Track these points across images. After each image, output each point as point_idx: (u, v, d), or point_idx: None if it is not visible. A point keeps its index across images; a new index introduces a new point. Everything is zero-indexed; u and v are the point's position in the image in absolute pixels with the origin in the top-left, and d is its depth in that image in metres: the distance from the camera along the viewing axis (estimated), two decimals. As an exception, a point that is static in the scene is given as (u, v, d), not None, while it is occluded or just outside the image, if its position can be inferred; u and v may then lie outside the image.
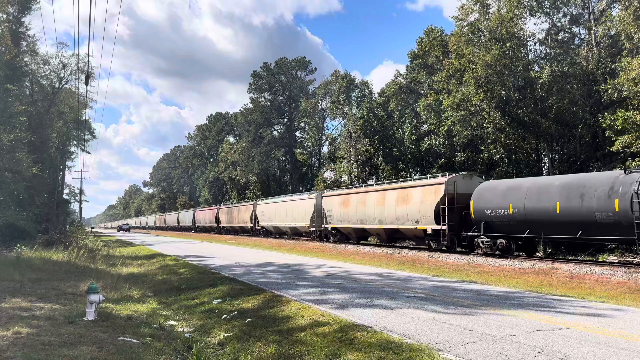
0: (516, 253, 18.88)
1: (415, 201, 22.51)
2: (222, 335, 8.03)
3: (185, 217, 75.00)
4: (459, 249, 21.31)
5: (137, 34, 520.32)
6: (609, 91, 24.90)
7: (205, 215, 64.21)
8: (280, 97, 69.07)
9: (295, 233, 37.86)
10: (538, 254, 18.90)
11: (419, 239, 23.76)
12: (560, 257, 18.19)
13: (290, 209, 37.13)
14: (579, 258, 18.05)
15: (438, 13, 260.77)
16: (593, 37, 28.74)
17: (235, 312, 9.52)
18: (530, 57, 32.96)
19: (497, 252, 18.65)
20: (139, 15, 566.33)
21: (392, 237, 26.03)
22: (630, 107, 23.53)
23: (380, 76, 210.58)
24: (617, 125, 23.00)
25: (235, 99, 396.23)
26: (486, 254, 18.95)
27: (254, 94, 68.92)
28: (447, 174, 22.20)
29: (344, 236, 30.28)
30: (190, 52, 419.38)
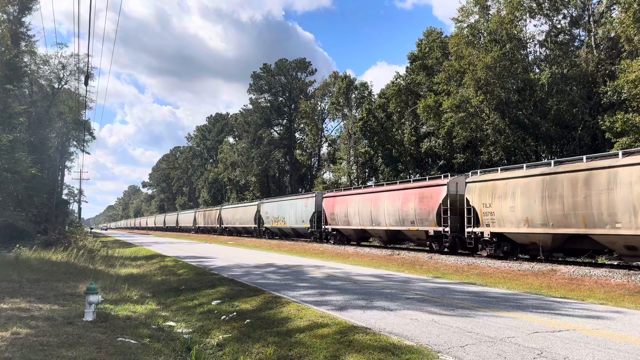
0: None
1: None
2: (221, 337, 8.02)
3: (287, 211, 37.43)
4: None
5: (125, 31, 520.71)
6: (609, 93, 24.96)
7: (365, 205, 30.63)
8: (280, 98, 69.10)
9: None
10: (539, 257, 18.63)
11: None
12: (560, 259, 18.12)
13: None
14: (578, 260, 18.00)
15: (428, 11, 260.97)
16: (593, 39, 28.78)
17: (234, 313, 9.51)
18: (530, 59, 33.03)
19: (501, 255, 18.31)
20: (126, 12, 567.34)
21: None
22: (630, 109, 23.58)
23: (375, 77, 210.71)
24: (617, 127, 23.05)
25: (229, 98, 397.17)
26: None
27: (253, 94, 69.02)
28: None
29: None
30: (182, 50, 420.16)
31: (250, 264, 20.12)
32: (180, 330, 8.74)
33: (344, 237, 30.07)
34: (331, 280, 14.08)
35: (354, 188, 31.93)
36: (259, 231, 44.03)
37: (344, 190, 31.88)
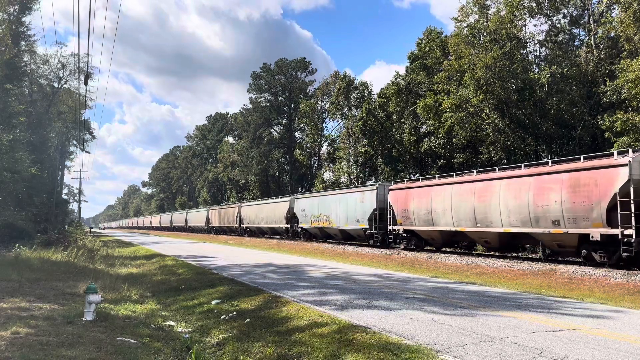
0: (515, 254, 16.80)
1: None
2: (220, 336, 8.02)
3: (332, 208, 31.47)
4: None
5: (122, 30, 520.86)
6: (609, 93, 24.96)
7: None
8: (280, 98, 69.12)
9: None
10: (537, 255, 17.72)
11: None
12: (559, 259, 18.06)
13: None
14: (578, 259, 17.99)
15: (425, 10, 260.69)
16: (593, 38, 28.77)
17: (234, 313, 9.51)
18: (529, 58, 33.02)
19: None
20: (123, 10, 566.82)
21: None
22: (630, 108, 23.58)
23: (374, 77, 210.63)
24: (617, 127, 23.05)
25: (228, 97, 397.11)
26: None
27: (253, 94, 69.06)
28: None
29: (422, 241, 23.61)
30: (180, 49, 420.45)
31: (250, 263, 20.13)
32: (180, 330, 8.74)
33: (421, 241, 23.58)
34: (331, 280, 14.09)
35: (440, 176, 23.41)
36: (292, 232, 37.11)
37: (423, 179, 24.72)
